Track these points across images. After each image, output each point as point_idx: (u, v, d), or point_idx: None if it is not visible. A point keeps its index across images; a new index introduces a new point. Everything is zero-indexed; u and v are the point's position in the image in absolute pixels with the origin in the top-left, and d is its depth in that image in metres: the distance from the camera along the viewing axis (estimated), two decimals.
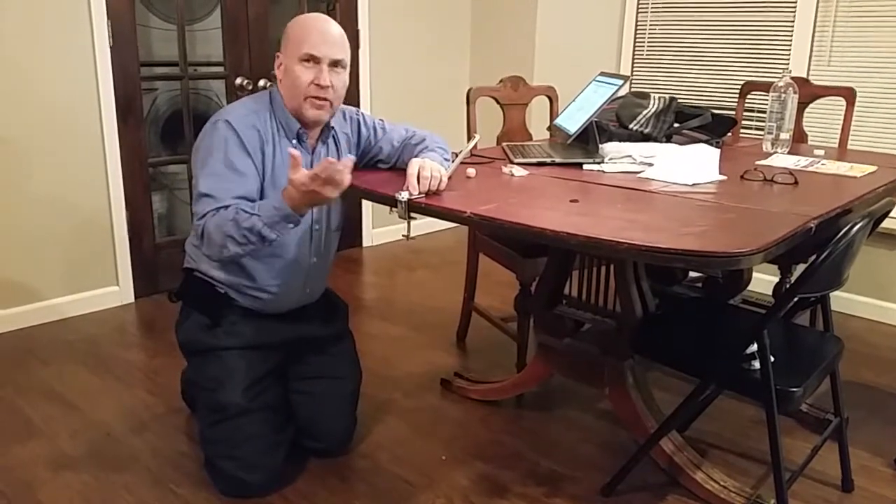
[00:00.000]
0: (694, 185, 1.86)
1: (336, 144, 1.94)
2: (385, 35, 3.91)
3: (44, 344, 2.74)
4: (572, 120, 2.31)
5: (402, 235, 1.86)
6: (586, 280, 2.02)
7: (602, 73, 2.44)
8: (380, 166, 2.05)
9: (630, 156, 2.10)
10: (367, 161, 2.05)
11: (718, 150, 2.07)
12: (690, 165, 1.98)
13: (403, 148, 2.00)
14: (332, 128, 1.91)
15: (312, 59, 1.74)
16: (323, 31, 1.75)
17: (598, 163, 2.08)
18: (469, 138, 2.14)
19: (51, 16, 2.76)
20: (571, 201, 1.68)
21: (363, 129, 2.02)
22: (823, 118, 3.09)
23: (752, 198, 1.75)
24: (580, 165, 2.08)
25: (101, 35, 2.89)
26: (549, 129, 2.48)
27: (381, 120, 2.07)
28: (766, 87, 2.63)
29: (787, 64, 3.20)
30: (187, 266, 1.94)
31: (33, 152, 2.81)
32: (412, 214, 1.69)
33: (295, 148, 1.80)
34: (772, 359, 1.56)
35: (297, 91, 1.76)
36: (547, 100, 2.89)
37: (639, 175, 1.97)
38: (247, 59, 3.38)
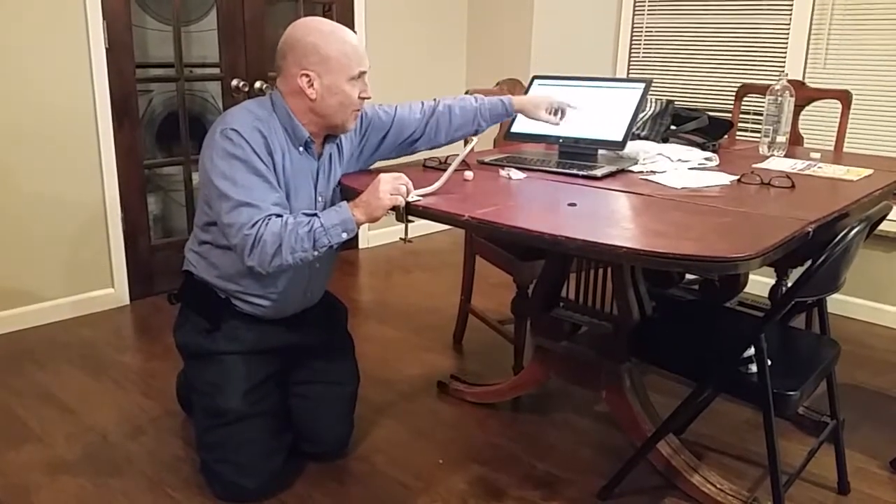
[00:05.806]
0: (692, 189, 1.86)
1: (339, 146, 1.93)
2: (381, 38, 3.90)
3: (39, 347, 2.73)
4: (570, 126, 2.21)
5: (400, 238, 1.85)
6: (583, 283, 2.02)
7: (536, 77, 2.35)
8: (416, 147, 2.08)
9: (662, 153, 2.12)
10: (402, 143, 2.05)
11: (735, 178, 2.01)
12: (694, 174, 2.00)
13: (431, 115, 2.04)
14: None
15: (361, 76, 1.77)
16: (356, 44, 1.77)
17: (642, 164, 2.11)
18: (466, 141, 2.13)
19: (46, 17, 2.75)
20: (569, 205, 1.68)
21: (364, 118, 1.99)
22: (819, 121, 3.10)
23: (749, 202, 1.75)
24: (589, 170, 2.00)
25: (97, 36, 2.88)
26: (506, 138, 2.36)
27: (380, 105, 2.04)
28: (762, 90, 2.64)
29: (784, 67, 3.21)
30: (187, 269, 1.93)
31: (28, 154, 2.80)
32: (409, 217, 1.69)
33: (301, 155, 1.80)
34: (769, 362, 1.56)
35: (346, 108, 1.77)
36: None
37: (639, 177, 1.98)
38: (243, 60, 3.37)
